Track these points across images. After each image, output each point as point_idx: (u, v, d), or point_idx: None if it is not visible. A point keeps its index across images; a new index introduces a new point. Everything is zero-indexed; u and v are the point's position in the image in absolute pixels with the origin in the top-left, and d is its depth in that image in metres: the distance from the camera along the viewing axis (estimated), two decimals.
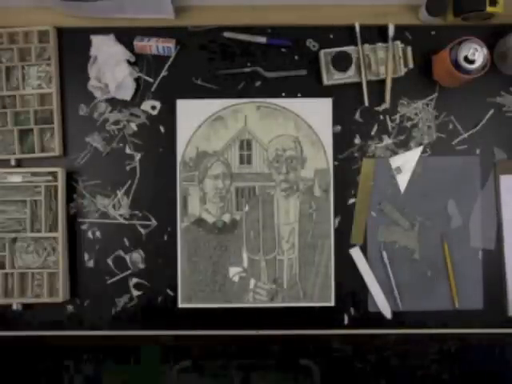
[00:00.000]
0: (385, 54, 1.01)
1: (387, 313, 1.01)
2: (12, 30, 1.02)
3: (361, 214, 1.02)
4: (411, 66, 1.01)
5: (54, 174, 1.00)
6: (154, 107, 1.03)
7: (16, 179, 1.00)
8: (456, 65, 0.92)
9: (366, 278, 1.01)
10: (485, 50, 0.91)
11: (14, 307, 1.00)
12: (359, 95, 1.02)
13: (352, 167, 1.03)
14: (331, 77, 1.02)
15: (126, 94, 1.02)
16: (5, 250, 1.00)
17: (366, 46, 1.01)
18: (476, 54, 0.91)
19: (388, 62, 1.01)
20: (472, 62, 0.91)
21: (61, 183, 0.99)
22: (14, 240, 1.01)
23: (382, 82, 1.02)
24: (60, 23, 1.03)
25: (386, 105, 1.02)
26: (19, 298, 1.00)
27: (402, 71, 1.01)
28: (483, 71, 0.93)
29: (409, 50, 1.01)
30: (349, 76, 1.02)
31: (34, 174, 1.00)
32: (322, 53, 1.01)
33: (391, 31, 1.01)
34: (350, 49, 1.01)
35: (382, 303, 1.01)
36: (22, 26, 1.02)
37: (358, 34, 1.02)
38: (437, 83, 1.03)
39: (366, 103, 1.02)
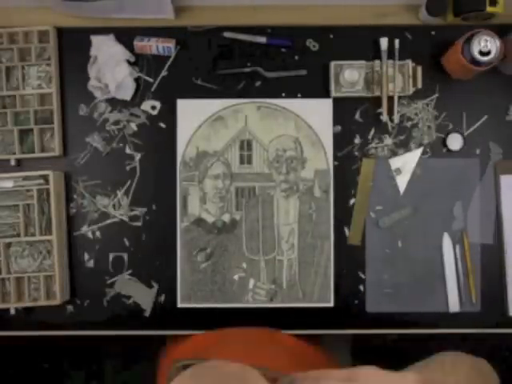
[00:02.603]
0: (393, 71, 1.01)
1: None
2: (12, 29, 1.02)
3: (360, 214, 1.02)
4: (420, 86, 1.01)
5: (45, 177, 0.99)
6: (154, 107, 1.03)
7: (7, 184, 0.99)
8: (473, 62, 0.92)
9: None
10: (496, 39, 0.91)
11: (12, 312, 1.01)
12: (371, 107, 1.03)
13: (352, 167, 1.03)
14: (339, 89, 1.02)
15: (126, 93, 1.02)
16: (0, 256, 1.00)
17: (377, 62, 1.01)
18: (488, 44, 0.90)
19: (382, 78, 1.00)
20: (487, 53, 0.91)
21: (52, 186, 0.98)
22: (9, 245, 1.01)
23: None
24: (60, 23, 1.03)
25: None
26: (16, 302, 0.99)
27: (411, 90, 1.01)
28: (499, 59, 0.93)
29: (419, 69, 1.01)
30: (357, 90, 1.02)
31: (25, 179, 1.00)
32: (332, 64, 1.01)
33: (384, 45, 1.01)
34: (360, 63, 1.01)
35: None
36: (22, 26, 1.01)
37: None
38: (437, 83, 1.03)
39: (384, 118, 1.01)
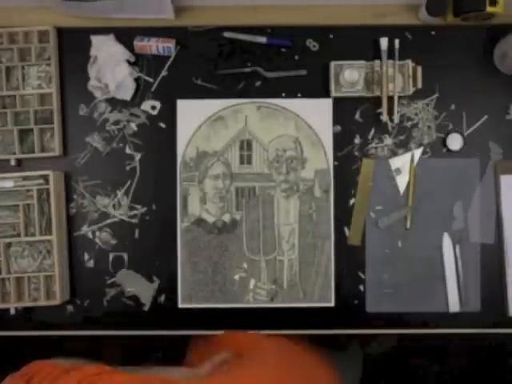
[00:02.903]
0: (393, 71, 1.01)
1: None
2: (12, 29, 1.02)
3: (359, 214, 1.02)
4: (420, 86, 1.01)
5: (45, 177, 1.00)
6: (154, 107, 1.03)
7: (7, 184, 0.99)
8: None
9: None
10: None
11: (12, 312, 1.01)
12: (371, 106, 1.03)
13: (352, 167, 1.03)
14: (339, 89, 1.02)
15: (126, 94, 1.02)
16: (0, 256, 1.00)
17: (377, 62, 1.01)
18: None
19: (382, 77, 1.00)
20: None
21: (52, 186, 0.98)
22: (9, 245, 1.01)
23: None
24: (60, 23, 1.03)
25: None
26: (16, 302, 0.99)
27: (411, 90, 1.01)
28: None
29: (419, 69, 1.01)
30: (357, 90, 1.02)
31: (25, 179, 1.00)
32: (332, 64, 1.01)
33: (384, 45, 1.01)
34: (360, 63, 1.01)
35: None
36: (22, 26, 1.02)
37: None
38: (437, 83, 1.03)
39: (384, 118, 1.01)
